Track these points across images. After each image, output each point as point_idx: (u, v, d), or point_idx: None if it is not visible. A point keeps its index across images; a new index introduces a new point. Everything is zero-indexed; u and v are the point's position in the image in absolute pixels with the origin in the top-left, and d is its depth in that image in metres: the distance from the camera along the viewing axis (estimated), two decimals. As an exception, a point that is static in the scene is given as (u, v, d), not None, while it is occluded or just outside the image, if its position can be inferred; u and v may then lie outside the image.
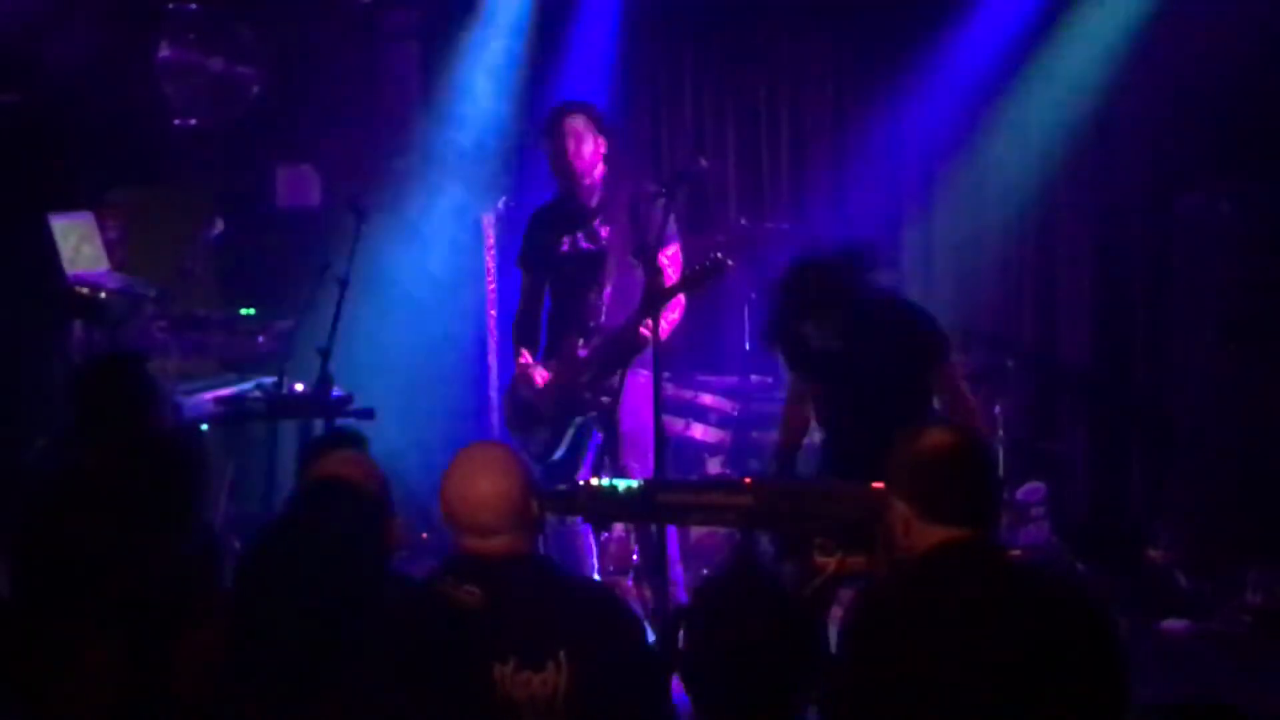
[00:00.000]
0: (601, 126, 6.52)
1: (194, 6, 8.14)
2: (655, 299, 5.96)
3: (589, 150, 6.43)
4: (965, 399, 5.49)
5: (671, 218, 6.27)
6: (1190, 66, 7.50)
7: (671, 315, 6.22)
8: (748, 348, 7.67)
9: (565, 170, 6.47)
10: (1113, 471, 7.85)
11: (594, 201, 6.48)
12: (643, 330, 5.98)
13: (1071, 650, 3.20)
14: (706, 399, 7.72)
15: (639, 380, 6.14)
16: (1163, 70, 7.62)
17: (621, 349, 6.17)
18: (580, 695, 3.37)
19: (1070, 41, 7.73)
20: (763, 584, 3.18)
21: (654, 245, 6.16)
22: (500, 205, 8.57)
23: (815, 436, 7.51)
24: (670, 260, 6.27)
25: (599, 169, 6.48)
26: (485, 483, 3.52)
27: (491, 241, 8.54)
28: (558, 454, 6.37)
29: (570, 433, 6.36)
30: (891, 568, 3.47)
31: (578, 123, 6.45)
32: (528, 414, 6.50)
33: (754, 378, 7.90)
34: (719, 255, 5.93)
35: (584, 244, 6.47)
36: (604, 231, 6.44)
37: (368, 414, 6.54)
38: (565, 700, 3.37)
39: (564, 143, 6.43)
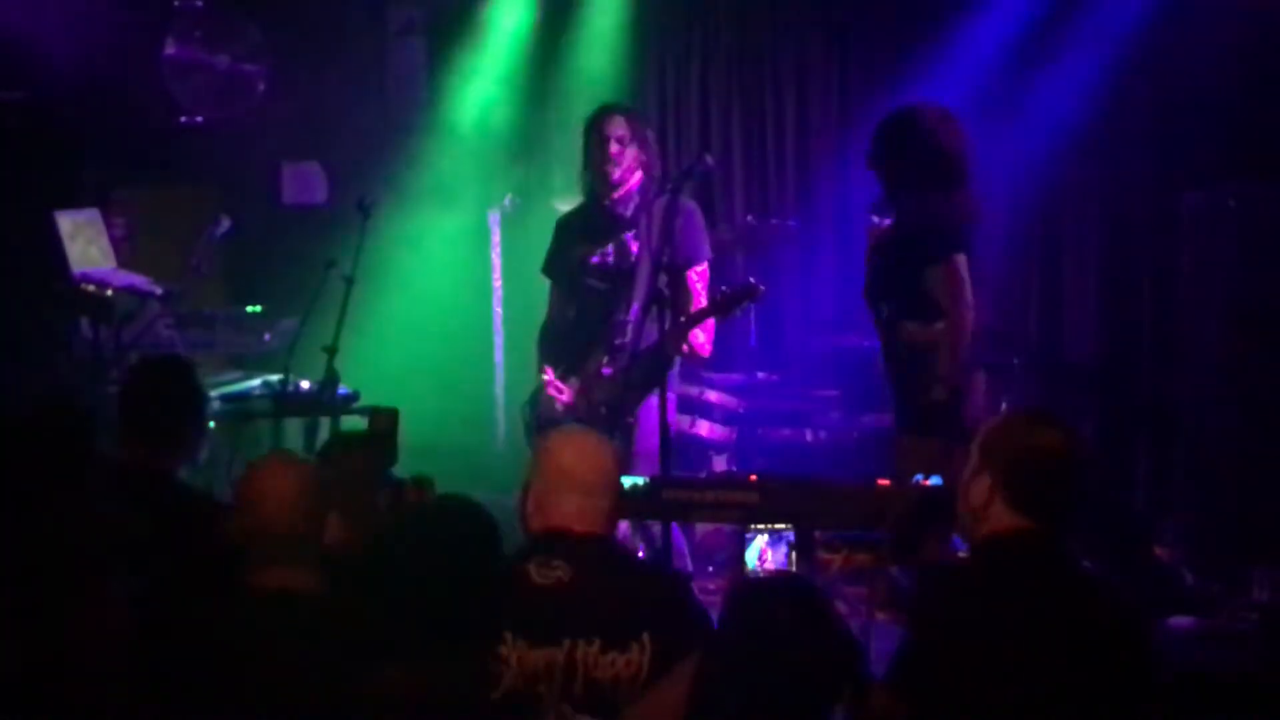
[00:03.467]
0: (643, 131, 6.24)
1: (200, 4, 8.15)
2: (684, 320, 5.87)
3: (629, 158, 6.13)
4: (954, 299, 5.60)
5: (704, 233, 6.23)
6: (1197, 63, 7.50)
7: (699, 339, 6.02)
8: (754, 344, 7.67)
9: (602, 178, 6.16)
10: (1119, 469, 7.85)
11: (628, 212, 6.19)
12: (695, 346, 5.92)
13: (1109, 651, 3.31)
14: (712, 396, 7.71)
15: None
16: (1169, 67, 7.62)
17: (647, 370, 5.93)
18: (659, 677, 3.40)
19: (1077, 38, 7.73)
20: (797, 586, 3.18)
21: (684, 264, 6.06)
22: (506, 202, 8.57)
23: (822, 433, 7.52)
24: (699, 277, 6.14)
25: (636, 177, 6.18)
26: (587, 447, 3.69)
27: (497, 238, 8.54)
28: None
29: None
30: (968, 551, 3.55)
31: (619, 127, 6.13)
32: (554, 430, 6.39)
33: (760, 375, 7.90)
34: (752, 281, 5.77)
35: (613, 258, 6.21)
36: (634, 246, 6.17)
37: (373, 411, 6.53)
38: (647, 683, 3.41)
39: (604, 148, 6.11)
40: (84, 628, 3.19)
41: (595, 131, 6.17)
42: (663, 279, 5.94)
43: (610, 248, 6.23)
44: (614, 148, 6.12)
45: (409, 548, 3.42)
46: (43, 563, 3.22)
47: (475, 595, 3.36)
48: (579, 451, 3.65)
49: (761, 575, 4.56)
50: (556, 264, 6.44)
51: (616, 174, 6.14)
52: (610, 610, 3.47)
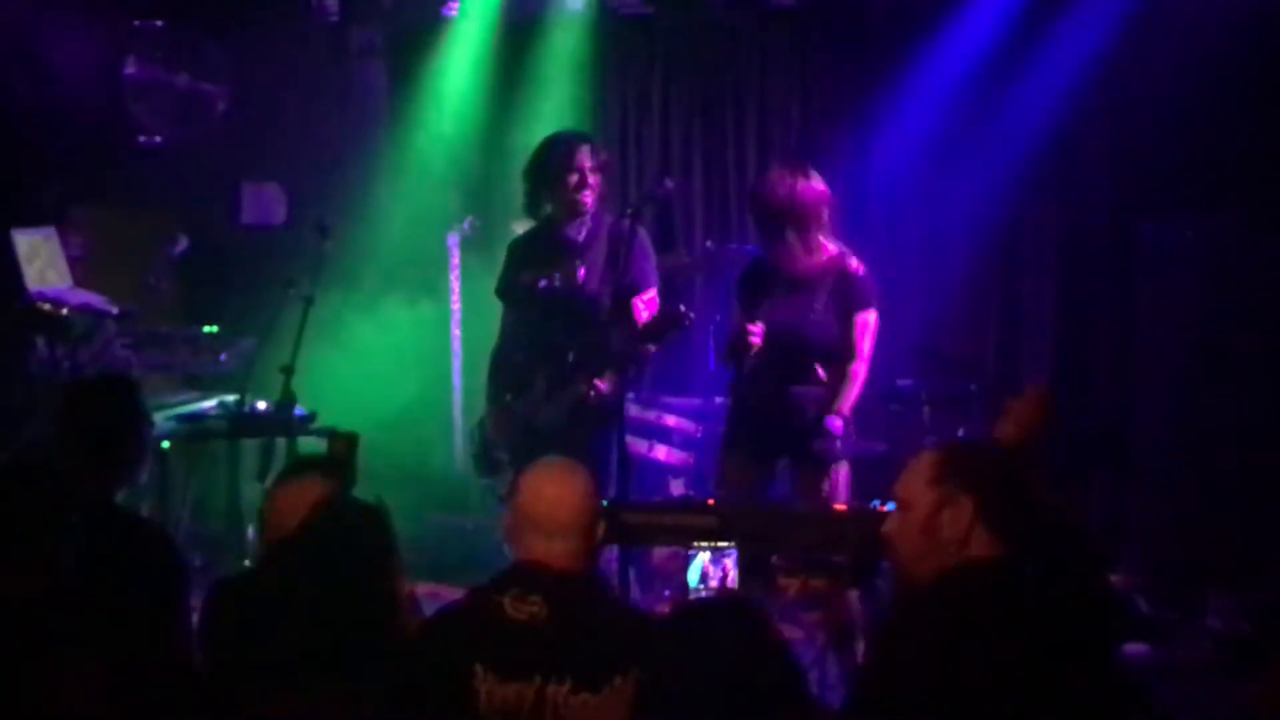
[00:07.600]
0: (604, 159, 6.31)
1: (160, 24, 8.12)
2: (629, 345, 5.92)
3: (595, 184, 6.19)
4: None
5: (652, 260, 6.25)
6: (1152, 95, 7.56)
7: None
8: (712, 369, 7.67)
9: (570, 207, 6.22)
10: (1074, 497, 7.87)
11: (581, 237, 6.24)
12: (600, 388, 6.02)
13: (1079, 674, 3.32)
14: (670, 420, 7.71)
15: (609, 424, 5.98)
16: (1125, 98, 7.67)
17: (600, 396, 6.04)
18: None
19: (1034, 69, 7.78)
20: (738, 607, 3.15)
21: (629, 290, 6.10)
22: (466, 225, 8.56)
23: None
24: (646, 304, 6.16)
25: (594, 204, 6.24)
26: (563, 486, 3.63)
27: (457, 260, 8.53)
28: None
29: None
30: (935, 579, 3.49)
31: (588, 158, 6.19)
32: (498, 456, 6.41)
33: (718, 399, 7.89)
34: (681, 309, 5.80)
35: (560, 283, 6.24)
36: (582, 271, 6.22)
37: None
38: None
39: (577, 175, 6.16)
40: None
41: (564, 161, 6.19)
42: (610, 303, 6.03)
43: (558, 273, 6.25)
44: (589, 178, 6.18)
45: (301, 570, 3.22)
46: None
47: (367, 618, 3.19)
48: (551, 494, 3.60)
49: (705, 595, 4.53)
50: (508, 289, 6.47)
51: (591, 204, 6.19)
52: (584, 651, 3.44)
